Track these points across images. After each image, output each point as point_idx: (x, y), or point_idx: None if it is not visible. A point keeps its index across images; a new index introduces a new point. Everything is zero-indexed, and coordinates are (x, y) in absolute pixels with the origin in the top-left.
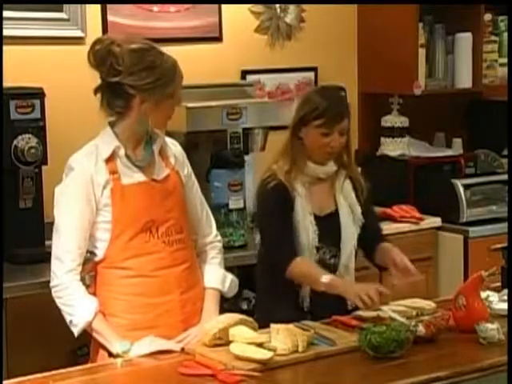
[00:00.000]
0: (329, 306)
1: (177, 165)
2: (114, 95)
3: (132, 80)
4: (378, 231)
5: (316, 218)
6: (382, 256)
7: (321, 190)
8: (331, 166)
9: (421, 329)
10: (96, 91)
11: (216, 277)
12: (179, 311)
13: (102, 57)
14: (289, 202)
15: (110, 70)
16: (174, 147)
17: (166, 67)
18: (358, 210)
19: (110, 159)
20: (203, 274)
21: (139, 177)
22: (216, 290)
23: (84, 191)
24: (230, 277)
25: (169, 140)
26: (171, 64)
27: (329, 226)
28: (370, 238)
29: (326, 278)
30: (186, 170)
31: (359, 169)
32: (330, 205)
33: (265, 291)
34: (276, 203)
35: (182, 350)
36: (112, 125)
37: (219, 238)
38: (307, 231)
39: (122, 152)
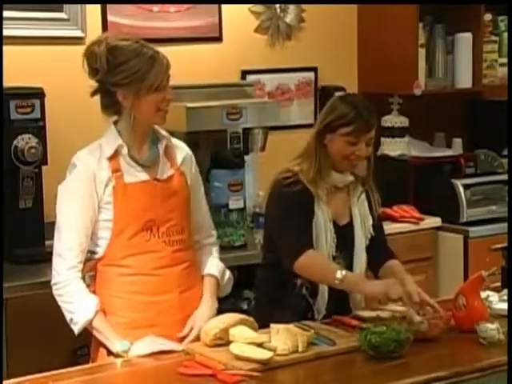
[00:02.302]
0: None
1: (183, 166)
2: (103, 95)
3: (110, 77)
4: (384, 246)
5: (335, 226)
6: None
7: (337, 199)
8: (348, 176)
9: (425, 325)
10: (92, 94)
11: (216, 267)
12: (178, 310)
13: (87, 58)
14: (311, 206)
15: (91, 71)
16: (182, 149)
17: (142, 60)
18: (369, 221)
19: (113, 157)
20: (203, 264)
21: (142, 176)
22: (214, 278)
23: (86, 188)
24: (228, 273)
25: (177, 141)
26: (149, 56)
27: (344, 236)
28: (376, 252)
29: (341, 273)
30: (194, 171)
31: None
32: (346, 215)
33: (267, 298)
34: (299, 204)
35: (182, 350)
36: (116, 124)
37: (218, 240)
38: (326, 238)
39: (125, 150)
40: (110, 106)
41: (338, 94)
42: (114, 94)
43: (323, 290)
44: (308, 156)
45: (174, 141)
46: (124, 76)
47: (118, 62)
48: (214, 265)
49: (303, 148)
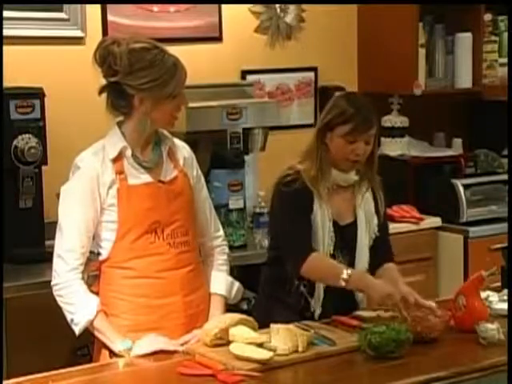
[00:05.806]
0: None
1: (185, 167)
2: (117, 95)
3: (130, 79)
4: (386, 248)
5: (335, 225)
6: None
7: (340, 198)
8: (352, 175)
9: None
10: (100, 91)
11: (224, 284)
12: (182, 313)
13: (103, 56)
14: (311, 204)
15: (109, 70)
16: (184, 149)
17: (164, 66)
18: (375, 221)
19: (117, 159)
20: (210, 279)
21: (146, 178)
22: (222, 297)
23: (89, 190)
24: (236, 284)
25: (178, 142)
26: (171, 63)
27: (346, 235)
28: (377, 253)
29: (347, 273)
30: (195, 171)
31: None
32: (349, 214)
33: (269, 296)
34: (297, 204)
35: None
36: (120, 125)
37: (225, 241)
38: (324, 237)
39: (128, 152)
40: (122, 107)
41: (338, 93)
42: (130, 97)
43: (319, 288)
44: (309, 154)
45: (176, 141)
46: (146, 81)
47: (141, 66)
48: (221, 282)
49: (306, 146)
